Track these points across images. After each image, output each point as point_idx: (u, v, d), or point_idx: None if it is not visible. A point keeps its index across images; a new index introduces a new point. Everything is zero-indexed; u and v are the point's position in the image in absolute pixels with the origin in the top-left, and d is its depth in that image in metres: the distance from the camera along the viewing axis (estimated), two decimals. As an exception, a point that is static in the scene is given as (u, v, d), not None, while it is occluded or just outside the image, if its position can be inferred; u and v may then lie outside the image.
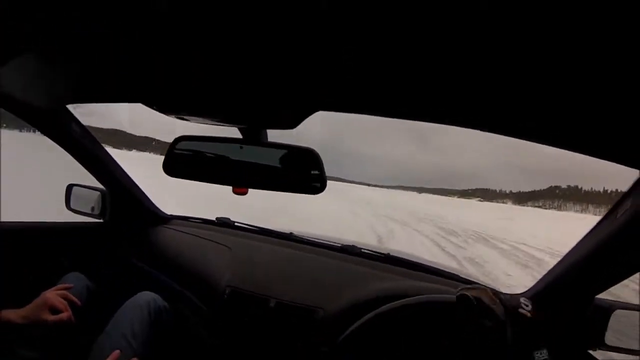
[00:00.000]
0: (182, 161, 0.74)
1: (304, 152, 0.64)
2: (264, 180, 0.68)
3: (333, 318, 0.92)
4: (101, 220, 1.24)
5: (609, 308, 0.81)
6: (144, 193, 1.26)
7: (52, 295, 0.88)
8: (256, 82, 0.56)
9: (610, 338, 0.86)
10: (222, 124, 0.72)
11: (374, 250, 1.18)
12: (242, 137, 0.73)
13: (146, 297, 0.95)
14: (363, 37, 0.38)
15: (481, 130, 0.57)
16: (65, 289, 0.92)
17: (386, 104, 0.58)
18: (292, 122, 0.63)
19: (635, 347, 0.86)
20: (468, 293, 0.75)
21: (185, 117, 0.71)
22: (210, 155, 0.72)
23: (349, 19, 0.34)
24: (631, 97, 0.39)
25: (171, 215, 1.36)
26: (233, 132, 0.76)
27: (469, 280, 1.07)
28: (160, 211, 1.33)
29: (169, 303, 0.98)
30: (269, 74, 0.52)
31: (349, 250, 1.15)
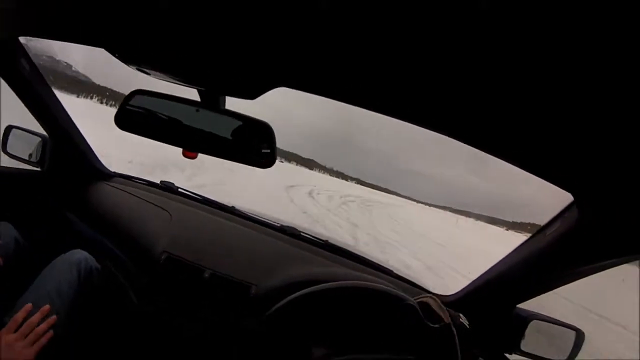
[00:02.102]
0: (135, 116, 0.71)
1: (260, 125, 0.64)
2: (215, 147, 0.67)
3: (265, 295, 0.93)
4: (39, 169, 1.14)
5: (527, 318, 0.88)
6: (88, 145, 1.18)
7: None
8: (221, 44, 0.54)
9: (527, 345, 0.94)
10: (182, 83, 0.69)
11: (313, 235, 1.21)
12: (200, 100, 0.70)
13: (77, 256, 0.91)
14: (334, 20, 0.37)
15: (440, 132, 0.58)
16: None
17: (350, 92, 0.57)
18: (251, 93, 0.61)
19: (545, 355, 0.95)
20: (424, 300, 0.81)
21: (146, 70, 0.68)
22: (164, 114, 0.70)
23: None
24: (572, 123, 0.40)
25: (114, 172, 1.28)
26: (193, 94, 0.73)
27: (403, 278, 1.12)
28: (104, 167, 1.25)
29: (101, 263, 0.94)
30: (235, 37, 0.50)
31: (288, 232, 1.17)
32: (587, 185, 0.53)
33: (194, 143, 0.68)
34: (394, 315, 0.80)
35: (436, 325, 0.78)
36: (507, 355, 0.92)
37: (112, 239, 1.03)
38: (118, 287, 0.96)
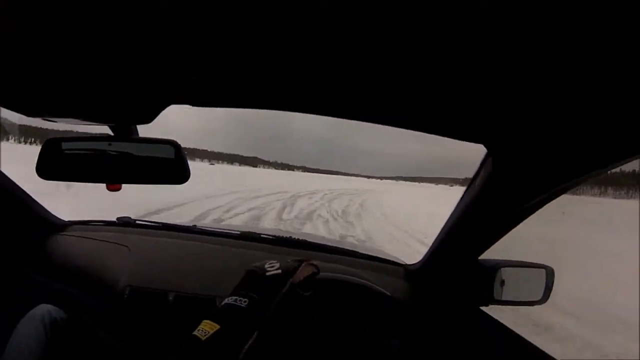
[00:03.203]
0: (55, 163, 0.72)
1: (167, 144, 0.66)
2: (133, 174, 0.69)
3: None
4: None
5: (494, 267, 0.90)
6: (34, 200, 1.16)
7: None
8: (105, 80, 0.55)
9: (501, 293, 0.96)
10: (87, 122, 0.70)
11: (272, 234, 1.23)
12: (112, 134, 0.71)
13: (40, 310, 0.89)
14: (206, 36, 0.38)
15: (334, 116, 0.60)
16: None
17: (238, 98, 0.59)
18: (147, 117, 0.63)
19: (521, 298, 0.97)
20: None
21: (49, 118, 0.69)
22: (81, 154, 0.71)
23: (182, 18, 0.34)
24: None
25: (69, 221, 1.27)
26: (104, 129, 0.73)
27: (369, 256, 1.14)
28: (56, 218, 1.24)
29: (69, 312, 0.93)
30: (115, 72, 0.51)
31: (248, 237, 1.19)
32: (492, 133, 0.56)
33: (115, 175, 0.70)
34: (374, 309, 0.79)
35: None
36: (484, 308, 0.94)
37: (77, 286, 1.02)
38: (87, 331, 0.96)
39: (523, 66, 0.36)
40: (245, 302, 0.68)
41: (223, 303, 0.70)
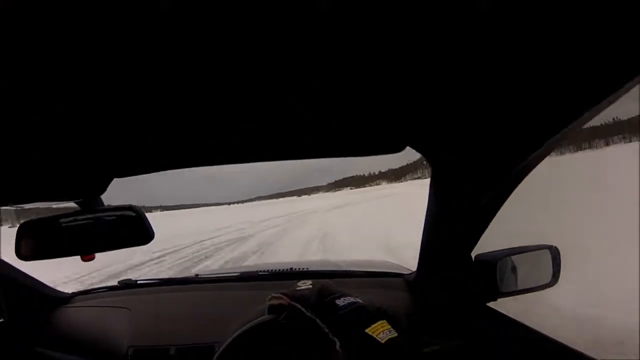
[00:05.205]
0: (30, 245, 0.76)
1: (126, 209, 0.70)
2: (101, 242, 0.72)
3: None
4: (1, 320, 1.16)
5: (492, 260, 0.86)
6: (36, 279, 1.20)
7: None
8: (56, 165, 0.57)
9: (507, 285, 0.92)
10: (54, 201, 0.72)
11: (271, 269, 1.23)
12: (80, 208, 0.73)
13: None
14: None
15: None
16: None
17: (172, 161, 0.60)
18: (98, 191, 0.65)
19: (529, 285, 0.93)
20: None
21: (17, 205, 0.73)
22: (53, 232, 0.74)
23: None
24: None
25: (72, 293, 1.31)
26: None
27: (367, 272, 1.11)
28: (58, 292, 1.28)
29: None
30: (59, 152, 0.53)
31: (246, 277, 1.20)
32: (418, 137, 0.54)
33: (84, 248, 0.73)
34: None
35: None
36: (490, 304, 0.90)
37: (84, 355, 1.04)
38: None
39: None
40: None
41: None
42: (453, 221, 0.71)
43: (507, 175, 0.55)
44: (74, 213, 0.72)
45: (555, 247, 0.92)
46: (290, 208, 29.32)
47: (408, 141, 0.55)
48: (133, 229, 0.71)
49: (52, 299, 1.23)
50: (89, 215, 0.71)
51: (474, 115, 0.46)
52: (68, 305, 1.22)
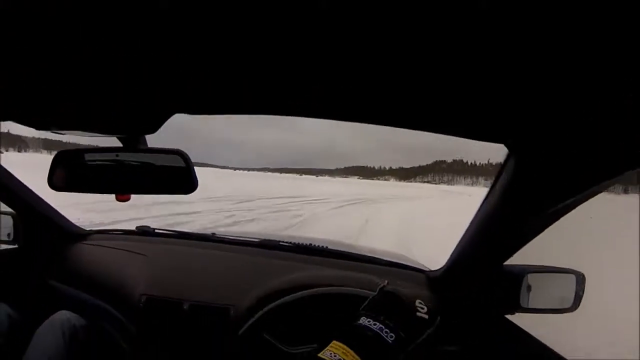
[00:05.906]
0: (66, 175, 0.74)
1: (173, 153, 0.67)
2: (142, 185, 0.70)
3: (242, 314, 0.94)
4: (15, 246, 1.16)
5: (520, 273, 0.85)
6: (56, 211, 1.19)
7: None
8: (109, 91, 0.57)
9: (528, 301, 0.91)
10: (95, 134, 0.71)
11: (292, 242, 1.21)
12: (121, 144, 0.72)
13: (59, 317, 0.92)
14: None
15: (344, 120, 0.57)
16: None
17: (240, 104, 0.58)
18: (152, 127, 0.65)
19: (549, 306, 0.92)
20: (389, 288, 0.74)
21: (58, 131, 0.71)
22: (90, 166, 0.73)
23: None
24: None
25: (90, 230, 1.30)
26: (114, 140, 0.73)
27: (389, 262, 1.10)
28: (76, 227, 1.27)
29: (89, 319, 0.96)
30: (118, 83, 0.53)
31: (267, 245, 1.18)
32: (514, 133, 0.53)
33: (123, 186, 0.71)
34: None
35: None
36: (509, 317, 0.89)
37: (96, 294, 1.04)
38: (107, 338, 0.98)
39: (547, 59, 0.34)
40: (392, 337, 0.61)
41: (361, 324, 0.63)
42: (500, 228, 0.70)
43: (575, 196, 0.53)
44: (116, 149, 0.70)
45: (582, 274, 0.91)
46: (293, 188, 24.20)
47: (511, 134, 0.52)
48: (178, 176, 0.67)
49: (69, 233, 1.23)
50: (133, 153, 0.69)
51: (572, 126, 0.44)
52: (84, 242, 1.22)
